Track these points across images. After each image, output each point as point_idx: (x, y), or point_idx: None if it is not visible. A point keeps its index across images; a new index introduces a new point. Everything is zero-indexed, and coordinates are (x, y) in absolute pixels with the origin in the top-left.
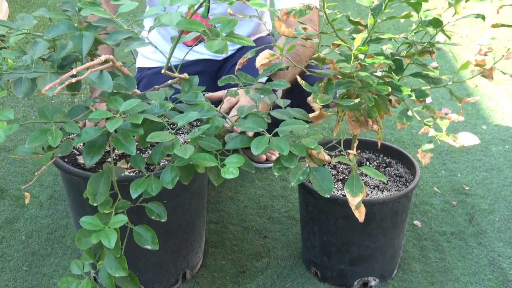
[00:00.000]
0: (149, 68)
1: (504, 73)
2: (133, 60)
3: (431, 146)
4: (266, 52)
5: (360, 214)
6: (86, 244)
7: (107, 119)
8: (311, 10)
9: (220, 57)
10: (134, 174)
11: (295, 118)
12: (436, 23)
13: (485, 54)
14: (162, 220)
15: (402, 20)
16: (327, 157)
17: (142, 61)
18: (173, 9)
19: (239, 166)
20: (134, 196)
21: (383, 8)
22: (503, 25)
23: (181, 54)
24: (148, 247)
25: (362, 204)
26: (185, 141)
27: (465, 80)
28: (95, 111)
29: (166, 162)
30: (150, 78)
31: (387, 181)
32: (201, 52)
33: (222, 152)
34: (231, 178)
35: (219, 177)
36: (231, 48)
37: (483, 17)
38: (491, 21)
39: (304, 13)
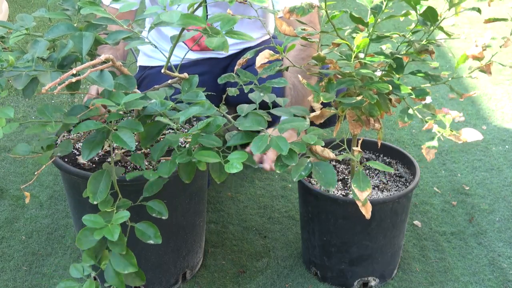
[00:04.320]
0: (151, 67)
1: (503, 65)
2: (133, 59)
3: (435, 143)
4: (266, 52)
5: (366, 211)
6: (87, 244)
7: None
8: (313, 9)
9: (223, 54)
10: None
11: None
12: (431, 14)
13: (484, 49)
14: (164, 217)
15: (401, 19)
16: (332, 155)
17: (143, 60)
18: (173, 9)
19: (242, 161)
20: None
21: (383, 8)
22: (495, 19)
23: (183, 53)
24: (151, 242)
25: (368, 201)
26: (185, 140)
27: (467, 75)
28: (99, 98)
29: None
30: (153, 77)
31: (387, 181)
32: (204, 50)
33: (223, 150)
34: (235, 172)
35: (221, 174)
36: (236, 48)
37: (479, 10)
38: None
39: (306, 11)
